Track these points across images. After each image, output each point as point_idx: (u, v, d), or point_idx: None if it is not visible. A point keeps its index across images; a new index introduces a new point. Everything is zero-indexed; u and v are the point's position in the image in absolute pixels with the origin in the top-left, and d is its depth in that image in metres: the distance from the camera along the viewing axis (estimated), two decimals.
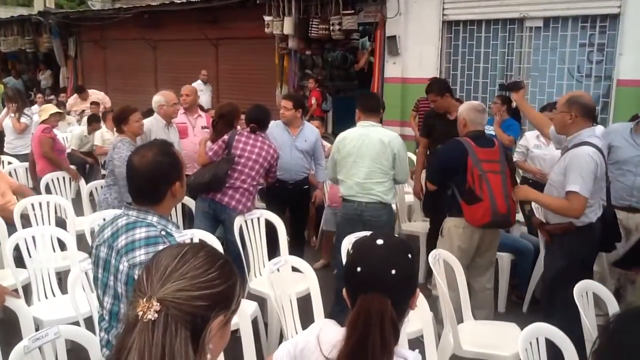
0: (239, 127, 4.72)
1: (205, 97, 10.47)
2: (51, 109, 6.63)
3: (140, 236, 1.87)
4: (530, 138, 5.22)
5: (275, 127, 4.93)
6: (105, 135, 7.58)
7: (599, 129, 5.82)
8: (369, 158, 4.04)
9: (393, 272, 1.39)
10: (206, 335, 1.12)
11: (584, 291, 2.99)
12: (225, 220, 4.28)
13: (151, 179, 1.96)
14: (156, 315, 1.05)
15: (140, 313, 1.06)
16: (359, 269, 1.42)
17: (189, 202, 4.79)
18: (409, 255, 1.45)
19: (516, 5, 7.93)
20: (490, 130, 5.42)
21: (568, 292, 2.88)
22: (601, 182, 3.42)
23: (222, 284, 1.15)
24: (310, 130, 5.15)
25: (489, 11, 8.21)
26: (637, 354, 0.92)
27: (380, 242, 1.45)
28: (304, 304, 3.43)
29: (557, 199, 3.41)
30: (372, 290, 1.38)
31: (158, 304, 1.06)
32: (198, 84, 10.00)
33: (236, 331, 2.94)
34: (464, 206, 3.75)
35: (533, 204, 4.19)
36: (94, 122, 8.17)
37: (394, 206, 4.34)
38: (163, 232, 1.90)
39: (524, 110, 4.19)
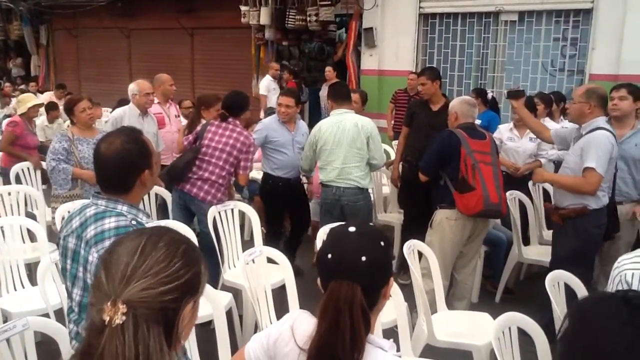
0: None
1: (275, 97, 8.85)
2: (29, 99, 6.18)
3: (110, 226, 1.83)
4: (504, 131, 5.27)
5: (276, 125, 4.83)
6: (45, 128, 7.56)
7: (569, 122, 5.96)
8: (345, 143, 4.20)
9: (363, 258, 1.37)
10: (179, 325, 1.10)
11: (555, 281, 3.03)
12: (196, 212, 4.28)
13: (119, 167, 1.91)
14: (124, 317, 1.01)
15: (107, 318, 1.02)
16: (329, 256, 1.40)
17: (163, 192, 4.74)
18: (382, 243, 1.43)
19: None
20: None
21: (577, 274, 3.03)
22: (612, 167, 3.62)
23: (188, 272, 1.12)
24: (302, 123, 5.21)
25: (465, 4, 8.24)
26: (599, 338, 0.93)
27: (352, 229, 1.44)
28: (279, 295, 3.42)
29: (572, 177, 3.62)
30: (341, 276, 1.36)
31: (124, 306, 1.02)
32: (268, 82, 8.90)
33: (210, 323, 2.93)
34: (457, 195, 3.83)
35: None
36: (51, 110, 7.98)
37: (371, 193, 4.42)
38: (134, 222, 1.86)
39: (523, 116, 4.31)
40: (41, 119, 8.00)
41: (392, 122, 8.03)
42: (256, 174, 6.13)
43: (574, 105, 3.77)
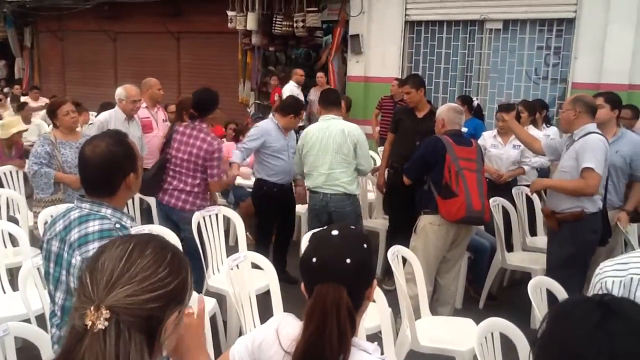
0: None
1: None
2: (14, 125, 5.80)
3: (94, 229, 1.82)
4: (487, 138, 5.31)
5: (273, 130, 4.78)
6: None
7: (552, 130, 6.04)
8: (332, 149, 4.24)
9: (348, 261, 1.39)
10: (162, 335, 1.09)
11: (538, 287, 3.06)
12: (178, 221, 4.18)
13: (104, 170, 1.91)
14: (106, 323, 1.00)
15: (89, 323, 1.00)
16: (314, 260, 1.42)
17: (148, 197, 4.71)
18: (365, 245, 1.45)
19: (477, 7, 8.08)
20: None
21: (573, 279, 3.06)
22: (605, 171, 3.66)
23: (173, 281, 1.10)
24: None
25: (450, 12, 8.33)
26: (572, 340, 0.95)
27: (335, 232, 1.46)
28: (264, 300, 3.41)
29: (571, 180, 3.65)
30: (327, 280, 1.38)
31: (107, 311, 1.01)
32: (292, 87, 8.76)
33: None
34: (440, 201, 3.86)
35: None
36: (21, 109, 7.88)
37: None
38: (117, 225, 1.85)
39: (515, 130, 4.38)
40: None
41: (378, 127, 8.06)
42: (241, 180, 6.13)
43: (562, 114, 3.85)
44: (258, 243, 4.94)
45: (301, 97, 7.83)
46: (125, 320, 1.02)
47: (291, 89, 8.61)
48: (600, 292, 1.92)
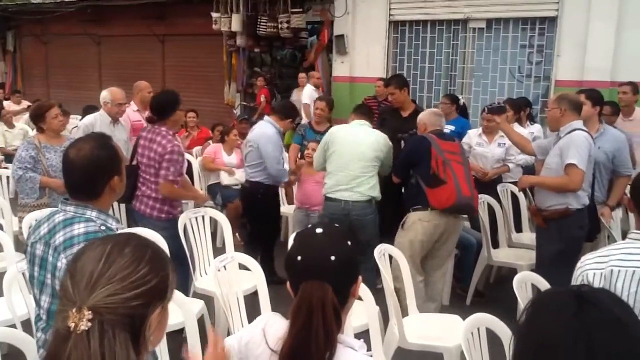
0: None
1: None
2: None
3: (80, 232, 1.82)
4: (473, 136, 5.35)
5: (277, 136, 4.81)
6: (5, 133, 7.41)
7: (536, 127, 6.10)
8: (358, 152, 4.17)
9: (333, 258, 1.40)
10: (146, 332, 1.09)
11: (523, 283, 3.09)
12: (151, 229, 4.12)
13: (89, 173, 1.90)
14: (90, 324, 1.01)
15: (73, 325, 1.01)
16: (299, 258, 1.43)
17: None
18: (349, 243, 1.47)
19: (460, 7, 8.12)
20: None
21: (563, 276, 3.08)
22: (591, 167, 3.73)
23: (155, 278, 1.11)
24: None
25: (434, 12, 8.37)
26: (548, 331, 0.96)
27: (320, 231, 1.47)
28: (252, 302, 3.41)
29: (556, 177, 3.71)
30: (312, 278, 1.39)
31: (90, 312, 1.01)
32: (311, 91, 8.43)
33: (182, 331, 2.91)
34: (429, 192, 3.90)
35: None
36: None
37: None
38: (103, 227, 1.85)
39: (507, 132, 4.42)
40: None
41: None
42: (227, 179, 6.13)
43: (549, 113, 3.91)
44: (247, 245, 4.92)
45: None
46: (108, 320, 1.02)
47: (310, 93, 8.39)
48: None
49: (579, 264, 2.07)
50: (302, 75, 8.97)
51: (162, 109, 3.94)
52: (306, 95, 8.53)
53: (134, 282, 1.08)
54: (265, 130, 4.77)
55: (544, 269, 3.68)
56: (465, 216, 4.50)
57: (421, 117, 4.32)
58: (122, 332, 1.03)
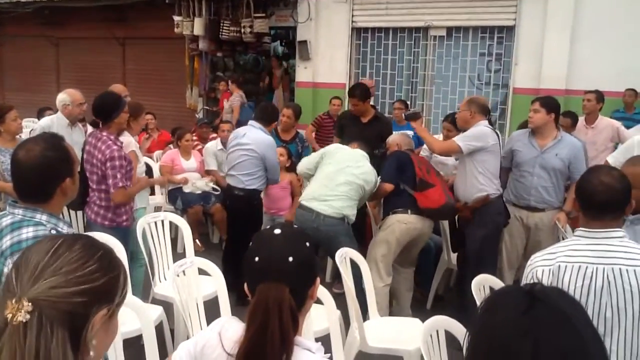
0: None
1: None
2: None
3: (28, 236, 1.76)
4: None
5: (274, 141, 4.84)
6: None
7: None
8: (350, 174, 4.14)
9: (290, 259, 1.39)
10: (87, 333, 1.05)
11: (481, 285, 3.14)
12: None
13: (38, 176, 1.84)
14: (28, 316, 0.97)
15: (10, 315, 0.97)
16: (257, 259, 1.41)
17: None
18: (307, 244, 1.46)
19: (421, 14, 8.25)
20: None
21: (487, 259, 3.76)
22: (496, 161, 4.19)
23: (102, 277, 1.07)
24: None
25: (396, 19, 8.48)
26: (499, 327, 0.98)
27: (278, 231, 1.46)
28: (212, 307, 3.37)
29: (438, 139, 4.62)
30: (269, 279, 1.38)
31: (29, 304, 0.97)
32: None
33: (140, 338, 2.85)
34: (419, 195, 4.09)
35: None
36: None
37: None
38: (53, 232, 1.79)
39: (424, 137, 4.58)
40: None
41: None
42: (205, 186, 6.03)
43: (459, 114, 4.36)
44: (227, 262, 4.75)
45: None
46: (48, 314, 0.98)
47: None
48: (531, 282, 2.02)
49: (529, 262, 2.16)
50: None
51: (104, 112, 3.78)
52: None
53: (79, 277, 1.04)
54: (264, 137, 4.69)
55: (473, 252, 4.13)
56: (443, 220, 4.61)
57: (393, 139, 4.62)
58: (61, 329, 0.99)
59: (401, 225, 4.08)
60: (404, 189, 4.16)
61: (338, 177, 4.11)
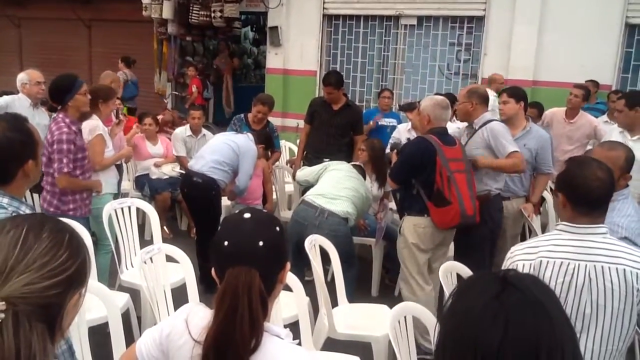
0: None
1: None
2: None
3: None
4: (403, 131, 5.40)
5: (256, 155, 4.76)
6: None
7: (463, 123, 6.27)
8: (351, 184, 4.27)
9: (260, 243, 1.37)
10: (62, 320, 1.03)
11: (448, 272, 3.18)
12: None
13: None
14: (2, 315, 0.94)
15: None
16: (225, 243, 1.39)
17: None
18: (277, 228, 1.44)
19: (393, 2, 8.26)
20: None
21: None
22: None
23: (74, 264, 1.05)
24: None
25: (367, 7, 8.48)
26: (469, 311, 0.99)
27: (247, 215, 1.44)
28: (180, 295, 3.34)
29: (506, 160, 3.82)
30: (239, 263, 1.35)
31: (3, 303, 0.94)
32: None
33: (106, 326, 2.80)
34: (432, 208, 3.63)
35: None
36: None
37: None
38: (14, 215, 1.74)
39: (490, 166, 4.23)
40: None
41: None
42: (172, 171, 5.96)
43: (459, 106, 4.09)
44: (202, 253, 4.64)
45: None
46: (24, 311, 0.96)
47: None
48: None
49: (508, 254, 2.11)
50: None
51: (58, 94, 3.65)
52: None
53: (53, 269, 1.01)
54: (251, 146, 4.68)
55: (464, 256, 3.82)
56: None
57: (424, 107, 3.77)
58: (39, 323, 0.97)
59: (418, 229, 3.68)
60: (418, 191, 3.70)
61: (345, 182, 4.25)
